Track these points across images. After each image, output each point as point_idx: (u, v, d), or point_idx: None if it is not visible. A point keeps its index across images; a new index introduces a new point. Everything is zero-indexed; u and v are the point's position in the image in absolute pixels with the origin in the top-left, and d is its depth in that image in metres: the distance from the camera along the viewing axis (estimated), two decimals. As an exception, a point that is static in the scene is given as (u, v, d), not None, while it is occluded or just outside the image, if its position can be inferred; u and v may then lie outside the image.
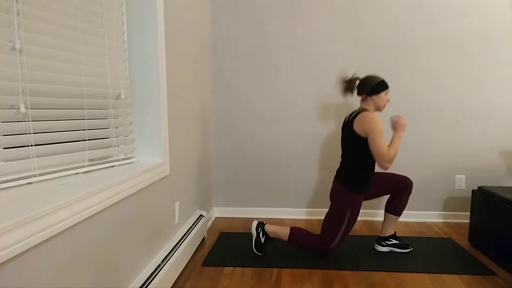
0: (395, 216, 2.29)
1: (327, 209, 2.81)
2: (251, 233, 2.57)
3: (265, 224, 2.26)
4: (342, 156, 2.18)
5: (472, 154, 2.87)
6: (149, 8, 1.71)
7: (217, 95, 2.95)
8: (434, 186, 2.92)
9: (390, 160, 1.98)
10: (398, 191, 2.26)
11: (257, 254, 2.25)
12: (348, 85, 2.16)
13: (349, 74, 2.15)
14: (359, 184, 2.08)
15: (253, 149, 2.97)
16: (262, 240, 2.23)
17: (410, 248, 2.32)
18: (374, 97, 2.09)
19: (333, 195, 2.15)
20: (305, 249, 2.22)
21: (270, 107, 2.92)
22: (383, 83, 2.09)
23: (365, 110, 2.06)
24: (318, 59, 2.85)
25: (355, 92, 2.17)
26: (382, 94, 2.09)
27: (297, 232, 2.18)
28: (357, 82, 2.16)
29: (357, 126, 2.02)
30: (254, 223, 2.28)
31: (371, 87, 2.08)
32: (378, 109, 2.13)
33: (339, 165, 2.23)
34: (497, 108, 2.82)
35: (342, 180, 2.11)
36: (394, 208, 2.28)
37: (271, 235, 2.23)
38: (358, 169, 2.08)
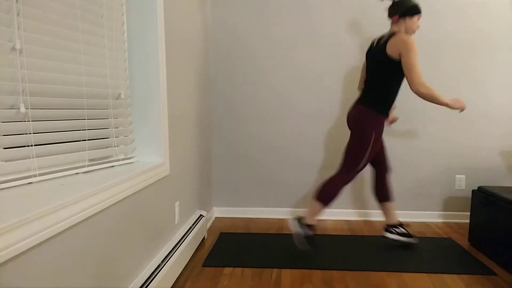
0: (389, 202, 2.34)
1: (327, 209, 2.81)
2: (255, 233, 2.56)
3: (302, 218, 2.18)
4: (366, 82, 2.16)
5: (472, 154, 2.87)
6: (149, 8, 1.72)
7: (218, 95, 2.94)
8: (434, 186, 2.92)
9: (424, 85, 1.92)
10: (380, 172, 2.31)
11: (311, 250, 2.23)
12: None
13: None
14: (385, 106, 2.09)
15: (253, 149, 2.97)
16: (311, 232, 2.17)
17: (415, 238, 2.38)
18: (408, 19, 2.06)
19: (356, 120, 2.12)
20: (339, 192, 2.14)
21: (270, 108, 2.92)
22: (418, 6, 2.07)
23: (395, 33, 2.03)
24: (319, 59, 2.85)
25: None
26: (416, 17, 2.07)
27: (322, 192, 2.14)
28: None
29: (391, 48, 1.99)
30: (293, 221, 2.19)
31: (407, 7, 2.05)
32: (408, 33, 2.09)
33: (361, 92, 2.20)
34: (497, 108, 2.82)
35: (367, 102, 2.10)
36: (383, 195, 2.34)
37: (313, 223, 2.17)
38: (386, 92, 2.08)
